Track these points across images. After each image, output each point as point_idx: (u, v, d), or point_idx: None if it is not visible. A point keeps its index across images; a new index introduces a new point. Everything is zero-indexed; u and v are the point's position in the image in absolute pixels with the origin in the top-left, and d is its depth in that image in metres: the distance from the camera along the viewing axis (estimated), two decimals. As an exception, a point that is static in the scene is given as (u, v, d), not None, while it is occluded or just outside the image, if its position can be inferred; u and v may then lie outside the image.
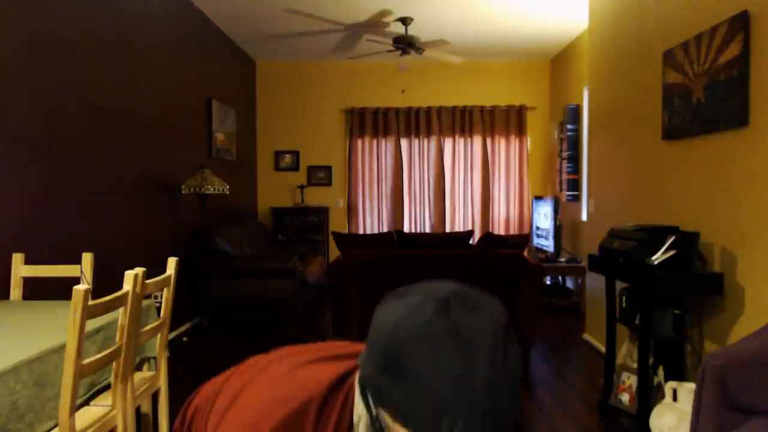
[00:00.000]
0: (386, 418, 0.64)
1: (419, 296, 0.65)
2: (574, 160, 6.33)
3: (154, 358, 2.57)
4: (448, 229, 7.56)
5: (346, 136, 7.66)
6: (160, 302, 2.59)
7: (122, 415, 2.06)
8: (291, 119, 7.69)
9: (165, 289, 2.47)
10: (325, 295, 6.32)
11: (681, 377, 2.99)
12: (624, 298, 3.20)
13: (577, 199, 6.32)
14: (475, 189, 7.61)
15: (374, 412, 0.66)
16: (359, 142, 7.59)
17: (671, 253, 2.78)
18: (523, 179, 7.55)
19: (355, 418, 0.70)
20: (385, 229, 7.60)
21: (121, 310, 2.01)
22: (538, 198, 6.90)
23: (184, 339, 4.92)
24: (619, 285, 3.31)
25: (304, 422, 0.72)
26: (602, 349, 3.88)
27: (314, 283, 5.93)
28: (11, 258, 2.78)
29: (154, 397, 2.59)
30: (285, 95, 7.64)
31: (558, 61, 7.18)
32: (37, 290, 2.93)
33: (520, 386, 0.65)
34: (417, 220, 7.65)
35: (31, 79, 3.07)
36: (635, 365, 3.08)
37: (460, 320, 0.62)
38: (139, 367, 2.56)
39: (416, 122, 7.55)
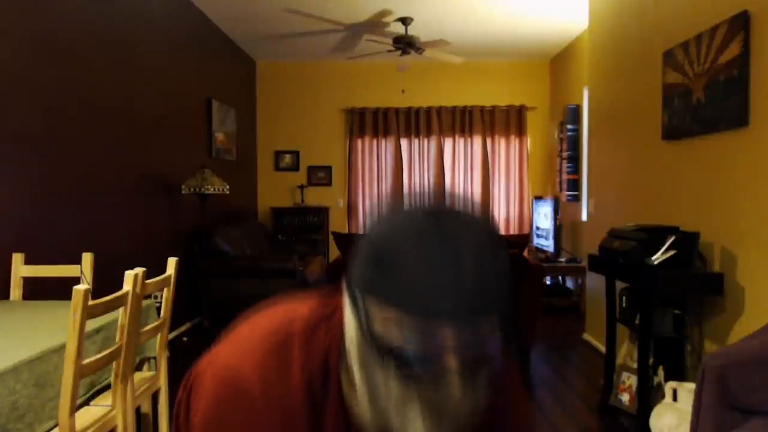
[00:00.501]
0: (374, 312, 0.63)
1: (409, 209, 0.66)
2: (574, 160, 6.33)
3: (154, 358, 2.57)
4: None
5: (346, 136, 7.66)
6: (160, 302, 2.59)
7: (122, 415, 2.06)
8: (291, 119, 7.69)
9: (165, 289, 2.47)
10: (325, 295, 6.30)
11: (681, 377, 2.99)
12: (624, 298, 3.20)
13: (577, 199, 6.32)
14: (475, 189, 7.61)
15: (361, 306, 0.65)
16: (359, 142, 7.59)
17: (671, 253, 2.78)
18: (523, 179, 7.55)
19: (347, 341, 0.69)
20: (385, 229, 7.59)
21: (121, 310, 2.01)
22: (538, 198, 6.90)
23: (184, 339, 4.92)
24: (619, 285, 3.31)
25: (291, 346, 0.71)
26: (602, 349, 3.88)
27: (314, 283, 5.93)
28: (11, 258, 2.78)
29: (154, 397, 2.59)
30: (285, 95, 7.64)
31: (558, 61, 7.18)
32: (37, 290, 2.93)
33: (510, 291, 0.65)
34: (417, 220, 7.64)
35: (31, 79, 3.07)
36: (635, 365, 3.08)
37: (448, 223, 0.63)
38: (139, 367, 2.56)
39: (416, 122, 7.55)
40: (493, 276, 0.62)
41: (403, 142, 7.58)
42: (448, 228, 0.63)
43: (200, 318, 5.43)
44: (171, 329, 4.75)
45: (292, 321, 0.73)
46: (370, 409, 0.66)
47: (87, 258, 2.79)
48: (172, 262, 2.52)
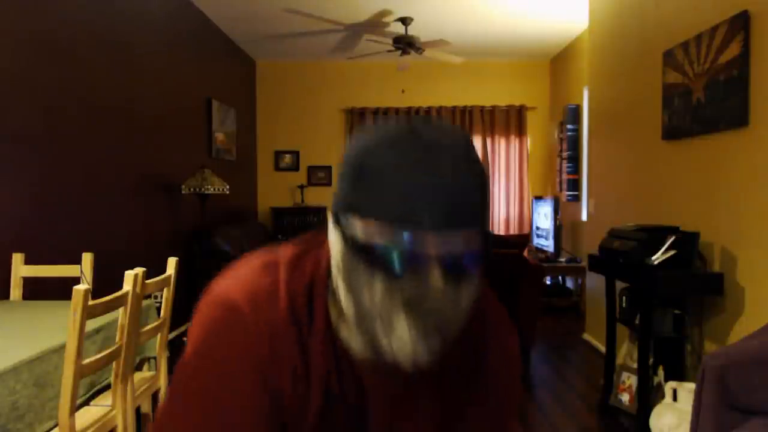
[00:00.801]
0: (357, 226, 0.65)
1: (386, 126, 0.68)
2: (574, 160, 6.33)
3: (154, 358, 2.57)
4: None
5: (346, 136, 7.66)
6: (160, 302, 2.59)
7: (122, 415, 2.06)
8: (291, 119, 7.68)
9: (165, 289, 2.47)
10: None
11: (681, 377, 2.99)
12: (624, 298, 3.20)
13: (577, 199, 6.32)
14: (475, 189, 7.60)
15: (345, 224, 0.66)
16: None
17: (671, 253, 2.78)
18: (523, 179, 7.55)
19: (333, 264, 0.69)
20: (385, 229, 7.58)
21: (121, 310, 2.01)
22: (538, 198, 6.90)
23: (184, 339, 4.91)
24: (619, 285, 3.31)
25: (278, 271, 0.73)
26: (602, 349, 3.88)
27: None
28: (11, 258, 2.78)
29: (154, 397, 2.59)
30: (285, 95, 7.64)
31: (558, 61, 7.18)
32: (37, 290, 2.93)
33: (486, 197, 0.66)
34: (417, 220, 7.64)
35: (31, 79, 3.07)
36: (635, 365, 3.08)
37: (423, 132, 0.64)
38: (139, 367, 2.56)
39: (416, 122, 7.55)
40: (471, 185, 0.63)
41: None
42: (425, 138, 0.64)
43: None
44: (171, 329, 4.75)
45: (281, 254, 0.76)
46: (357, 326, 0.66)
47: (87, 258, 2.79)
48: (172, 262, 2.52)
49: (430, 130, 0.65)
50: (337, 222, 0.68)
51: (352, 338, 0.69)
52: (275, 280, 0.72)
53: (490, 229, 0.67)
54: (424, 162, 0.62)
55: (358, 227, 0.64)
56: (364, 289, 0.65)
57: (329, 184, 7.68)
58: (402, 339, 0.64)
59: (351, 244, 0.65)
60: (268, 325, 0.69)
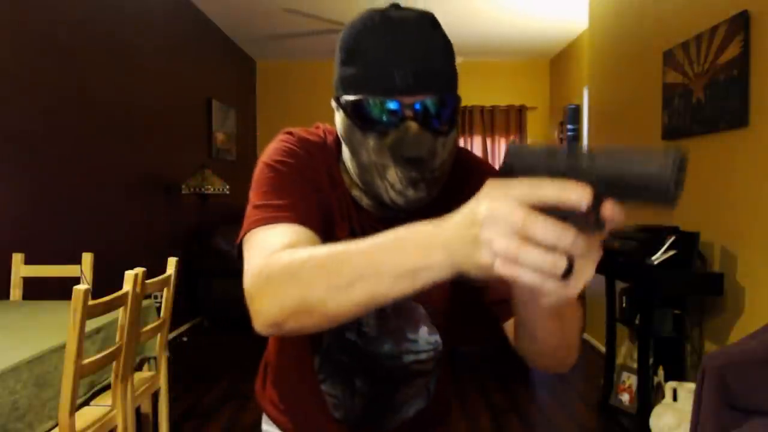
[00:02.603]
0: (350, 103, 0.78)
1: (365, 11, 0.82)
2: (574, 160, 6.33)
3: (154, 358, 2.57)
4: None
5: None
6: (160, 302, 2.59)
7: (122, 415, 2.06)
8: (291, 119, 7.67)
9: (165, 289, 2.47)
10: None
11: (681, 377, 2.99)
12: (624, 298, 3.20)
13: (577, 199, 6.31)
14: (475, 189, 7.61)
15: (342, 104, 0.80)
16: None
17: (671, 253, 2.78)
18: (523, 179, 7.55)
19: (342, 143, 0.86)
20: (385, 229, 7.60)
21: (121, 310, 2.01)
22: (538, 198, 6.90)
23: (184, 339, 4.92)
24: (619, 285, 3.31)
25: (317, 143, 0.92)
26: (602, 349, 3.88)
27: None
28: (11, 258, 2.78)
29: (154, 397, 2.59)
30: (285, 95, 7.64)
31: (558, 61, 7.18)
32: (37, 290, 2.93)
33: (452, 65, 0.79)
34: (417, 220, 7.65)
35: (31, 79, 3.07)
36: (635, 365, 3.08)
37: (392, 13, 0.77)
38: (139, 367, 2.56)
39: (416, 122, 7.56)
40: (438, 52, 0.75)
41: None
42: (393, 16, 0.76)
43: (200, 318, 5.43)
44: (171, 329, 4.75)
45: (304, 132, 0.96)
46: (360, 181, 0.82)
47: (87, 258, 2.79)
48: (172, 262, 2.52)
49: (397, 11, 0.77)
50: (337, 101, 0.82)
51: (359, 193, 0.86)
52: (314, 150, 0.89)
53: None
54: (393, 35, 0.74)
55: (352, 105, 0.78)
56: (362, 149, 0.79)
57: (329, 184, 7.68)
58: (394, 186, 0.77)
59: (347, 115, 0.79)
60: (313, 171, 0.87)
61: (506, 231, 0.46)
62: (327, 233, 0.83)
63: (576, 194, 0.45)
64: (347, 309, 0.60)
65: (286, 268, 0.66)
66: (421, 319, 0.91)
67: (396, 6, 0.79)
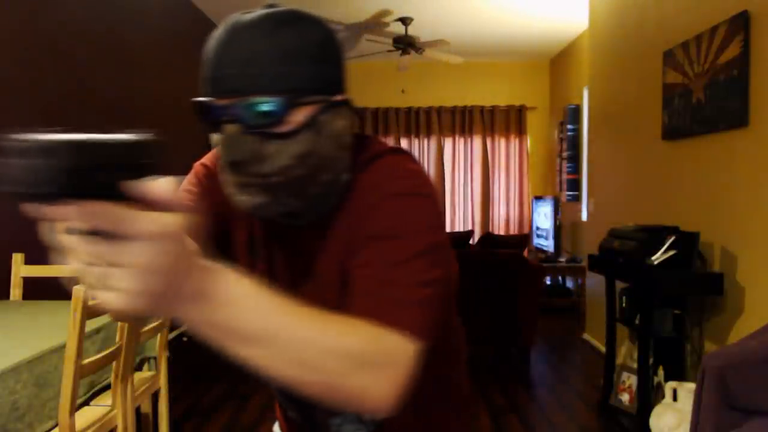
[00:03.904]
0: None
1: None
2: (574, 160, 6.33)
3: (154, 358, 2.57)
4: (448, 229, 7.56)
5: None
6: (160, 302, 2.59)
7: (122, 415, 2.06)
8: (291, 119, 7.68)
9: (165, 289, 2.47)
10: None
11: (681, 377, 2.99)
12: (624, 298, 3.20)
13: (577, 199, 6.32)
14: (475, 189, 7.61)
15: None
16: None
17: (671, 253, 2.78)
18: (523, 179, 7.55)
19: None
20: (385, 229, 7.58)
21: (121, 310, 2.00)
22: (538, 198, 6.90)
23: (184, 339, 4.92)
24: (619, 285, 3.31)
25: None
26: (602, 349, 3.88)
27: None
28: (11, 258, 2.78)
29: (154, 397, 2.59)
30: (285, 95, 7.63)
31: (558, 61, 7.18)
32: (37, 290, 2.93)
33: (286, 65, 0.74)
34: (417, 220, 7.64)
35: (31, 78, 3.07)
36: (635, 365, 3.08)
37: (242, 16, 0.75)
38: (139, 367, 2.56)
39: (416, 122, 7.55)
40: (268, 54, 0.72)
41: (403, 142, 7.58)
42: (233, 21, 0.75)
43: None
44: (171, 329, 4.74)
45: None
46: (222, 171, 0.80)
47: (87, 258, 2.78)
48: (172, 262, 2.52)
49: (248, 13, 0.75)
50: None
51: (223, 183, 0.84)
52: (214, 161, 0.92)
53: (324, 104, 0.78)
54: (225, 38, 0.74)
55: (192, 103, 0.78)
56: (219, 151, 0.77)
57: (329, 184, 7.68)
58: (232, 192, 0.77)
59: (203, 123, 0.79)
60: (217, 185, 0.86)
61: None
62: (226, 236, 0.89)
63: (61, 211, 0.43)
64: None
65: None
66: None
67: (270, 6, 0.78)
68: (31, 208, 0.42)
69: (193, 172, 0.92)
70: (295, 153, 0.74)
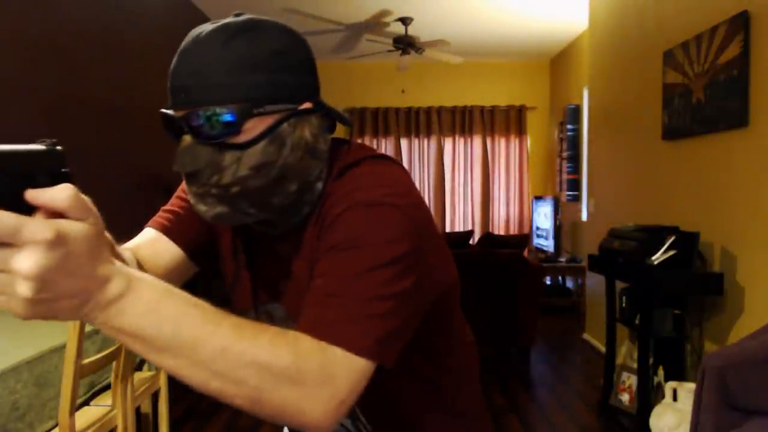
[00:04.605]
0: None
1: None
2: (574, 160, 6.34)
3: (154, 358, 2.56)
4: (447, 229, 7.56)
5: (346, 136, 7.65)
6: (160, 302, 2.59)
7: (122, 415, 2.06)
8: (291, 119, 7.68)
9: (165, 289, 2.47)
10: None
11: (681, 377, 2.99)
12: (624, 298, 3.20)
13: (577, 199, 6.32)
14: (475, 189, 7.61)
15: None
16: (359, 142, 7.59)
17: (671, 253, 2.78)
18: (523, 179, 7.55)
19: None
20: (385, 229, 7.58)
21: (121, 310, 2.00)
22: (538, 198, 6.90)
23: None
24: (619, 285, 3.31)
25: None
26: (602, 349, 3.88)
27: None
28: (11, 258, 2.78)
29: (154, 397, 2.59)
30: (285, 95, 7.63)
31: (558, 61, 7.18)
32: (37, 290, 2.93)
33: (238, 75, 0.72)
34: (417, 220, 7.63)
35: (31, 79, 3.07)
36: (635, 365, 3.08)
37: (203, 27, 0.75)
38: (139, 367, 2.56)
39: (416, 122, 7.55)
40: (220, 65, 0.71)
41: (403, 142, 7.58)
42: (200, 29, 0.75)
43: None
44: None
45: None
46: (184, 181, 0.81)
47: (87, 258, 2.78)
48: (172, 262, 2.52)
49: (212, 24, 0.75)
50: None
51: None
52: None
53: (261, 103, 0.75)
54: (184, 49, 0.74)
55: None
56: None
57: (329, 184, 7.67)
58: (192, 201, 0.77)
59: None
60: None
61: None
62: (213, 244, 0.94)
63: None
64: None
65: None
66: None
67: (235, 15, 0.78)
68: None
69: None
70: (252, 163, 0.73)
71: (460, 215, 7.63)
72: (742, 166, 2.70)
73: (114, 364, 2.00)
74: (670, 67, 3.30)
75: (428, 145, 7.58)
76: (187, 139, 0.73)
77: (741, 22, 2.64)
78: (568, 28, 6.13)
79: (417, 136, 7.57)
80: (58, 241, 0.46)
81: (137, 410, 2.36)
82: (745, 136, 2.67)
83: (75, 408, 1.74)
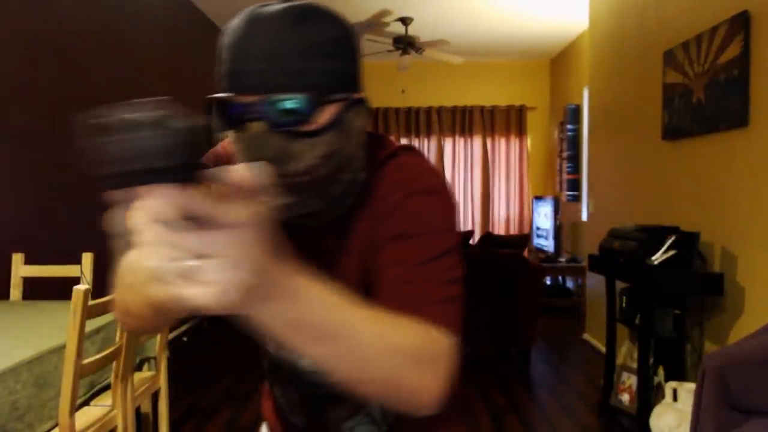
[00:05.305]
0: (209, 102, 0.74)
1: None
2: (574, 160, 6.33)
3: (154, 358, 2.57)
4: (448, 229, 7.55)
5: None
6: (160, 302, 2.59)
7: (122, 415, 2.06)
8: (291, 119, 7.68)
9: (165, 289, 2.47)
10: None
11: (681, 377, 2.99)
12: (624, 298, 3.20)
13: (577, 199, 6.32)
14: (475, 189, 7.61)
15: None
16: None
17: (671, 253, 2.78)
18: (523, 179, 7.55)
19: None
20: (385, 229, 7.59)
21: (121, 310, 2.00)
22: (538, 198, 6.90)
23: (184, 339, 4.92)
24: (619, 285, 3.31)
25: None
26: (602, 349, 3.88)
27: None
28: (11, 258, 2.78)
29: (154, 397, 2.59)
30: (285, 95, 7.63)
31: (558, 61, 7.18)
32: (37, 290, 2.93)
33: (310, 61, 0.70)
34: (417, 220, 7.64)
35: (31, 79, 3.07)
36: (635, 365, 3.08)
37: (258, 9, 0.72)
38: (139, 367, 2.56)
39: (416, 122, 7.55)
40: (291, 49, 0.68)
41: (403, 143, 7.57)
42: (252, 14, 0.71)
43: (200, 318, 5.42)
44: (171, 329, 4.74)
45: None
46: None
47: (87, 258, 2.79)
48: (172, 262, 2.52)
49: (266, 7, 0.71)
50: None
51: None
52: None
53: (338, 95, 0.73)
54: (246, 33, 0.69)
55: (209, 99, 0.73)
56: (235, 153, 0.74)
57: (329, 184, 7.68)
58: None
59: (216, 122, 0.74)
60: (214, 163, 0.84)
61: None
62: None
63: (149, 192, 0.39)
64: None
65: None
66: None
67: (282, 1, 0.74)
68: (118, 195, 0.39)
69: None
70: (321, 152, 0.72)
71: (460, 215, 7.62)
72: (742, 166, 2.70)
73: (114, 364, 2.00)
74: (670, 67, 3.30)
75: (428, 145, 7.58)
76: (257, 126, 0.69)
77: (741, 22, 2.64)
78: (568, 28, 6.13)
79: (417, 136, 7.57)
80: (261, 225, 0.44)
81: (137, 410, 2.36)
82: (745, 136, 2.67)
83: (75, 408, 1.74)
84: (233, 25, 0.72)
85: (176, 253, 0.40)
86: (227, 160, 0.85)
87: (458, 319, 0.70)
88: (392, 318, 0.62)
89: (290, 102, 0.68)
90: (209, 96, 0.72)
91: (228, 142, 0.88)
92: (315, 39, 0.71)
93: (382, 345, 0.59)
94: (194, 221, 0.40)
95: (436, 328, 0.66)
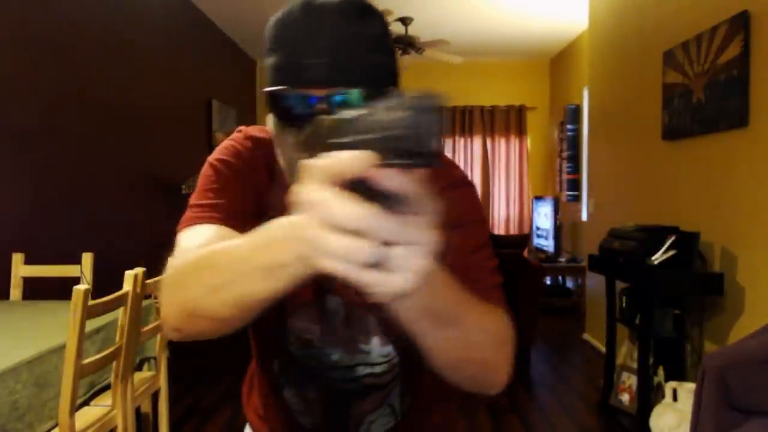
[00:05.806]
0: (273, 99, 0.72)
1: None
2: (574, 160, 6.33)
3: (154, 358, 2.57)
4: (448, 229, 7.54)
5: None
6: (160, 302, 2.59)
7: (122, 415, 2.06)
8: (291, 119, 7.67)
9: (165, 289, 2.47)
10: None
11: (681, 377, 2.99)
12: (624, 298, 3.20)
13: (577, 199, 6.32)
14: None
15: (269, 100, 0.74)
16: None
17: (671, 253, 2.78)
18: (523, 179, 7.55)
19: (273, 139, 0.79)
20: (385, 229, 7.58)
21: (121, 310, 2.01)
22: (538, 198, 6.90)
23: (184, 339, 4.92)
24: (619, 285, 3.31)
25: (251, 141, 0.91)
26: (602, 349, 3.88)
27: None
28: (11, 258, 2.78)
29: (154, 397, 2.59)
30: (285, 95, 7.63)
31: (558, 61, 7.18)
32: (37, 290, 2.93)
33: (374, 57, 0.70)
34: (417, 220, 7.64)
35: (31, 79, 3.07)
36: (635, 365, 3.08)
37: (313, 1, 0.71)
38: (139, 367, 2.56)
39: (416, 122, 7.54)
40: (357, 43, 0.69)
41: (403, 142, 7.57)
42: (315, 3, 0.70)
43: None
44: (171, 329, 4.73)
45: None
46: (289, 179, 0.75)
47: (87, 258, 2.79)
48: (172, 262, 2.52)
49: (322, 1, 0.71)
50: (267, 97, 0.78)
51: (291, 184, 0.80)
52: (255, 145, 0.90)
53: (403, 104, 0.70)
54: (308, 24, 0.69)
55: (266, 91, 0.72)
56: (284, 145, 0.74)
57: (329, 184, 7.67)
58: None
59: (274, 113, 0.74)
60: (251, 165, 0.87)
61: (314, 219, 0.40)
62: (262, 217, 0.85)
63: (359, 163, 0.39)
64: (220, 310, 0.59)
65: (178, 271, 0.67)
66: (372, 329, 0.85)
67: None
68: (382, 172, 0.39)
69: (231, 146, 0.89)
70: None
71: (460, 215, 7.62)
72: (742, 166, 2.70)
73: (114, 364, 2.00)
74: (670, 67, 3.30)
75: (428, 145, 7.57)
76: (328, 120, 0.70)
77: (741, 22, 2.64)
78: (568, 28, 6.13)
79: (417, 136, 7.55)
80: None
81: (137, 410, 2.36)
82: (745, 136, 2.67)
83: (75, 408, 1.74)
84: (287, 15, 0.71)
85: (388, 239, 0.40)
86: (267, 150, 0.84)
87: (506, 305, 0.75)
88: (478, 301, 0.64)
89: (358, 96, 0.68)
90: (270, 89, 0.71)
91: (251, 133, 0.90)
92: (373, 33, 0.72)
93: (480, 328, 0.63)
94: (388, 206, 0.40)
95: (500, 309, 0.70)
